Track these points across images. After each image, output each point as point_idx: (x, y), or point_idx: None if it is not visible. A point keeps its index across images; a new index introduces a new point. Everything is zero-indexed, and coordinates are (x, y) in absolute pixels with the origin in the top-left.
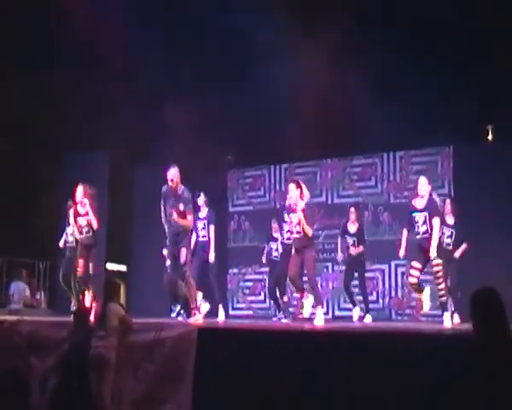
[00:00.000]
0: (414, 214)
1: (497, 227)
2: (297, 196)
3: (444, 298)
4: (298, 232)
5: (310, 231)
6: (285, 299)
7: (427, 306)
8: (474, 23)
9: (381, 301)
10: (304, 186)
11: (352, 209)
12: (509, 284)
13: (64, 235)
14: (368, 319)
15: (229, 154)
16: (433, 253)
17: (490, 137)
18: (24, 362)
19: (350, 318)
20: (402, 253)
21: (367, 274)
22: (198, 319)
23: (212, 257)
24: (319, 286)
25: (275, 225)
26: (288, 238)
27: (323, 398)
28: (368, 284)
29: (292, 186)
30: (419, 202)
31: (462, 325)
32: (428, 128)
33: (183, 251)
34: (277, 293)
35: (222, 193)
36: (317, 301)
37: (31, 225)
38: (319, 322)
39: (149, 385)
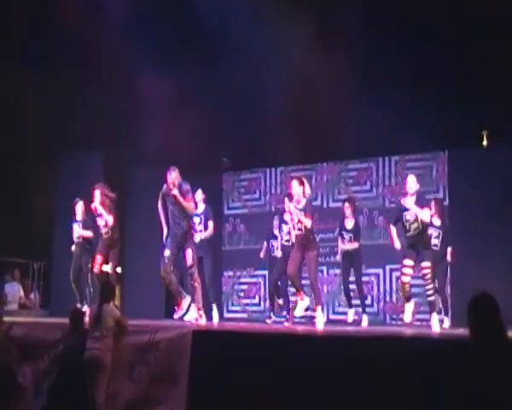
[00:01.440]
0: (405, 213)
1: (491, 232)
2: (300, 194)
3: (432, 298)
4: (299, 229)
5: (309, 223)
6: (280, 302)
7: (408, 317)
8: (469, 28)
9: (375, 305)
10: (307, 184)
11: (346, 204)
12: (504, 289)
13: (73, 234)
14: (364, 321)
15: (225, 156)
16: (425, 216)
17: (485, 142)
18: (17, 366)
19: (345, 321)
20: (398, 244)
21: (362, 278)
22: (202, 320)
23: (202, 235)
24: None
25: (276, 222)
26: (287, 240)
27: (318, 400)
28: (363, 287)
29: (295, 183)
30: (409, 201)
31: (454, 330)
32: (424, 133)
33: (189, 252)
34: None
35: (217, 195)
36: (318, 301)
37: (24, 226)
38: (319, 324)
39: (144, 387)
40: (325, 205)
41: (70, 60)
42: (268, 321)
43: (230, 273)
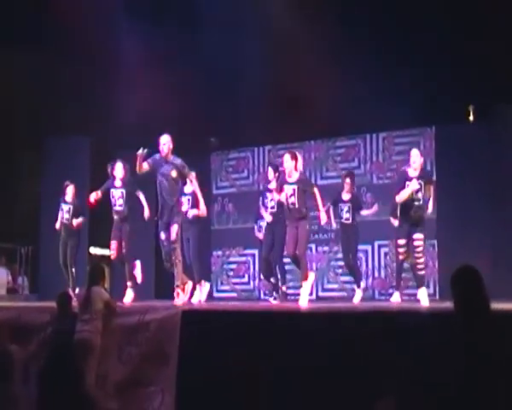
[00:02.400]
0: (408, 183)
1: (479, 207)
2: (292, 168)
3: (422, 272)
4: (292, 203)
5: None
6: (272, 280)
7: (425, 302)
8: (455, 4)
9: (364, 281)
10: (300, 158)
11: (348, 180)
12: (492, 262)
13: (60, 213)
14: (357, 296)
15: (213, 136)
16: (430, 208)
17: (471, 117)
18: (4, 350)
19: (334, 298)
20: (397, 222)
21: None
22: (182, 299)
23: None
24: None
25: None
26: (272, 207)
27: (309, 377)
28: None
29: (287, 157)
30: (413, 172)
31: (441, 304)
32: (410, 109)
33: (175, 228)
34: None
35: (205, 175)
36: (304, 276)
37: (11, 211)
38: (304, 301)
39: (134, 368)
40: (313, 182)
41: (57, 41)
42: (273, 301)
43: (219, 253)
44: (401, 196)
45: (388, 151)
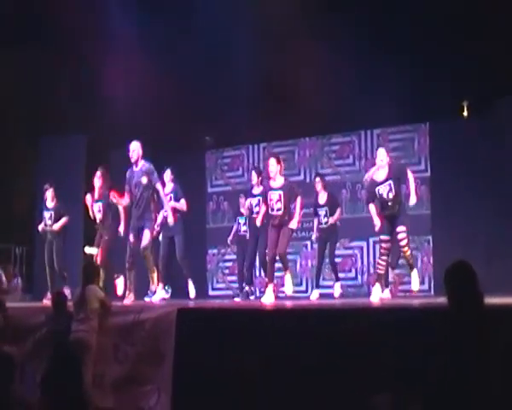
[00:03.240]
0: (377, 188)
1: (472, 203)
2: (277, 172)
3: (412, 260)
4: (278, 209)
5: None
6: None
7: (416, 285)
8: (450, 2)
9: (359, 277)
10: (282, 163)
11: (317, 179)
12: (486, 258)
13: (43, 219)
14: (337, 288)
15: (207, 134)
16: (412, 199)
17: (465, 113)
18: (4, 353)
19: (329, 295)
20: (378, 222)
21: (346, 251)
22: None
23: (170, 220)
24: (297, 265)
25: (242, 200)
26: (257, 212)
27: (304, 375)
28: (347, 261)
29: (272, 161)
30: (380, 175)
31: (436, 299)
32: (405, 105)
33: (146, 234)
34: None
35: (200, 174)
36: (286, 267)
37: (6, 210)
38: (288, 289)
39: (130, 367)
40: (308, 180)
41: (55, 40)
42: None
43: (215, 251)
44: (376, 223)
45: (383, 148)
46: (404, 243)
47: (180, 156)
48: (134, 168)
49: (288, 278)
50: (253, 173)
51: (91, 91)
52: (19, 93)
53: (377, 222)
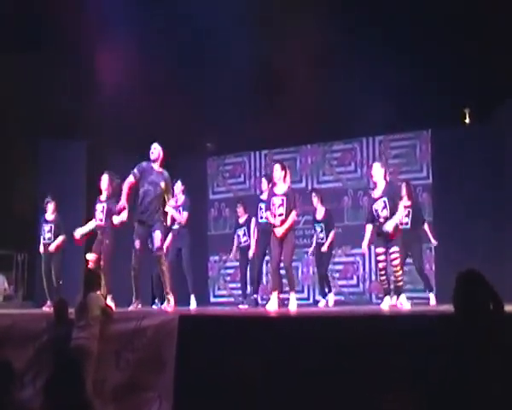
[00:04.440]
0: (373, 205)
1: (476, 209)
2: (280, 178)
3: (400, 283)
4: (280, 215)
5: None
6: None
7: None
8: (454, 7)
9: (361, 285)
10: (288, 171)
11: (313, 194)
12: (490, 265)
13: (42, 234)
14: (331, 299)
15: (209, 141)
16: (389, 225)
17: (467, 120)
18: (4, 363)
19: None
20: (365, 244)
21: (347, 259)
22: (171, 305)
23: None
24: (298, 272)
25: (239, 210)
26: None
27: (307, 383)
28: (348, 268)
29: (277, 167)
30: (376, 192)
31: (439, 307)
32: (406, 113)
33: (157, 234)
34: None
35: (202, 180)
36: (291, 286)
37: (7, 217)
38: (293, 307)
39: (131, 374)
40: (310, 187)
41: (55, 43)
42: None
43: (216, 258)
44: (363, 246)
45: (385, 155)
46: (396, 262)
47: (182, 163)
48: (153, 165)
49: (292, 296)
50: (263, 180)
51: (92, 96)
52: (19, 96)
53: (364, 246)
